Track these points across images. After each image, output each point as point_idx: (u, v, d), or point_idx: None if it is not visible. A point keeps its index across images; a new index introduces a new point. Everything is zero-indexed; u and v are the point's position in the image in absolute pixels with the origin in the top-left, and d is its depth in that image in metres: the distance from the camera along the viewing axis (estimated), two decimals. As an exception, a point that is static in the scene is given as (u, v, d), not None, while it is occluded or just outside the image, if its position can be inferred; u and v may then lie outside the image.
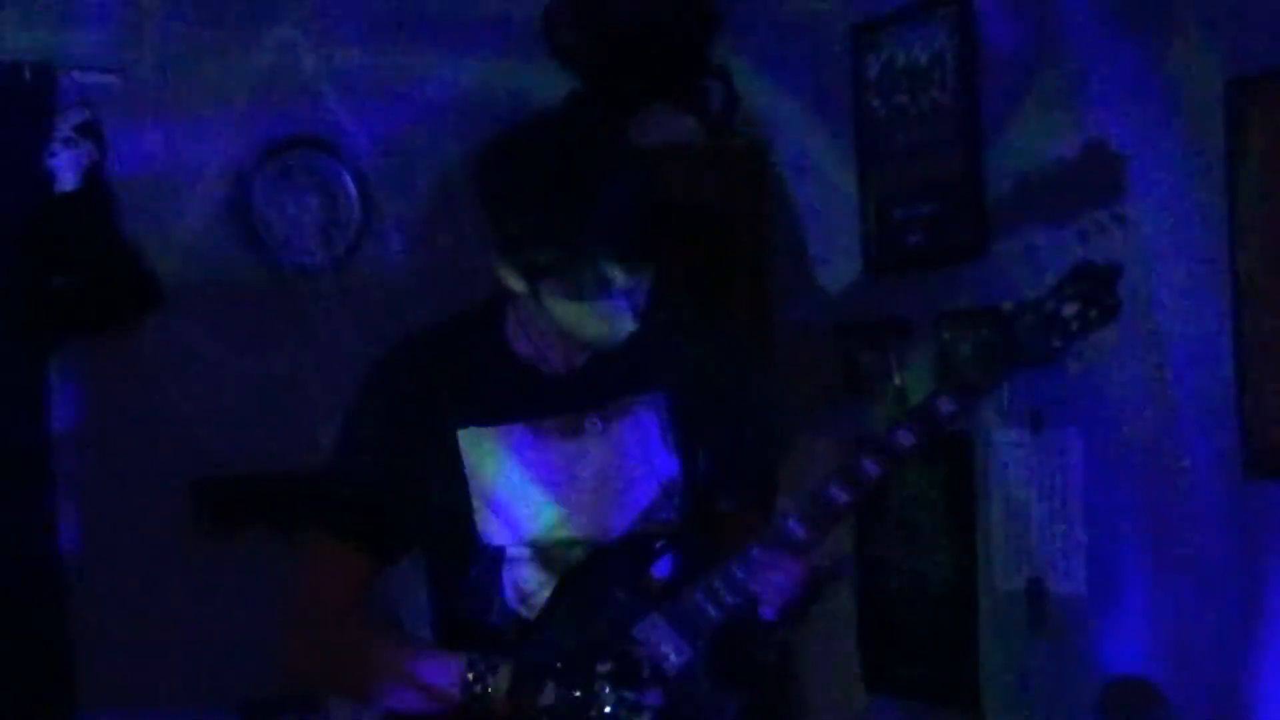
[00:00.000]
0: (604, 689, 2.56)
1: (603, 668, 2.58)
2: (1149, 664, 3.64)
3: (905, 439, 2.58)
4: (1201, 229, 3.49)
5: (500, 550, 2.66)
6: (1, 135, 4.32)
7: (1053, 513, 3.84)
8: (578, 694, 2.56)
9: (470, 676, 2.59)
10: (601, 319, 2.57)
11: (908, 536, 4.23)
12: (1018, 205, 3.89)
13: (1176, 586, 3.59)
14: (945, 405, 2.58)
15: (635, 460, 2.66)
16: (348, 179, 4.71)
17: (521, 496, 2.65)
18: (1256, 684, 3.43)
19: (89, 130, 4.26)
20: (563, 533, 2.66)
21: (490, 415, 2.66)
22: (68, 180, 4.22)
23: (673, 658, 2.60)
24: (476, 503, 2.65)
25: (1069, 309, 2.59)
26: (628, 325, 2.58)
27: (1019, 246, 3.88)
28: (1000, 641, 4.00)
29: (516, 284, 2.59)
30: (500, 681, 2.58)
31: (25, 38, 4.41)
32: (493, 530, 2.66)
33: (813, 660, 4.47)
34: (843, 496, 2.57)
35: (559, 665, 2.58)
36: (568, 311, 2.57)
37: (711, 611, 2.60)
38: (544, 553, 2.66)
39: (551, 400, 2.66)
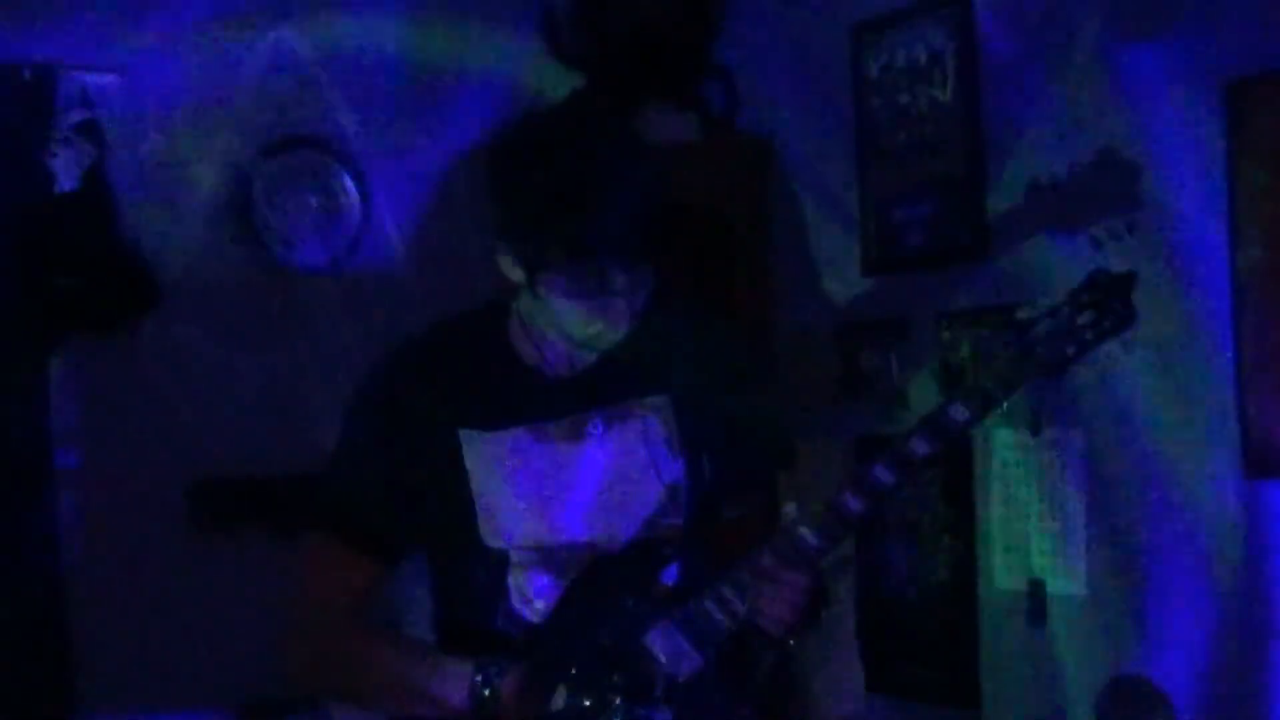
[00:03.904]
0: (615, 700, 2.55)
1: (615, 678, 2.57)
2: (1149, 664, 3.64)
3: (919, 447, 2.55)
4: (1201, 229, 3.49)
5: (504, 554, 2.65)
6: (1, 135, 4.33)
7: (1053, 513, 3.84)
8: (588, 703, 2.55)
9: (478, 681, 2.58)
10: (598, 318, 2.56)
11: (908, 536, 4.22)
12: (1022, 209, 3.89)
13: (1177, 587, 3.59)
14: (958, 413, 2.56)
15: (639, 464, 2.65)
16: (348, 179, 4.71)
17: (524, 500, 2.64)
18: (1257, 684, 3.43)
19: (89, 130, 4.27)
20: (567, 537, 2.65)
21: (492, 418, 2.65)
22: (68, 180, 4.23)
23: (684, 666, 2.59)
24: (479, 506, 2.64)
25: (1084, 317, 2.57)
26: (624, 325, 2.57)
27: (1020, 248, 3.88)
28: (1000, 641, 4.00)
29: (515, 275, 2.58)
30: (508, 687, 2.57)
31: (25, 38, 4.41)
32: (495, 534, 2.65)
33: (813, 660, 4.46)
34: (856, 505, 2.55)
35: (571, 672, 2.57)
36: (565, 307, 2.56)
37: (722, 619, 2.58)
38: (549, 557, 2.64)
39: (554, 403, 2.65)
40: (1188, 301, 3.52)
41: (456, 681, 2.58)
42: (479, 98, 4.73)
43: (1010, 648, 3.97)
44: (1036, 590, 3.88)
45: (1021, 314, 2.58)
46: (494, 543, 2.64)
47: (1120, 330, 2.59)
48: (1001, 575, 3.98)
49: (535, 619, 2.64)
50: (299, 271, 4.68)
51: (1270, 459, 3.38)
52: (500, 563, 2.65)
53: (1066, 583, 3.81)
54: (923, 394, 4.12)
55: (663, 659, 2.58)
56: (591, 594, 2.62)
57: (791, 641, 2.64)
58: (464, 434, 2.65)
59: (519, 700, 2.56)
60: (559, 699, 2.55)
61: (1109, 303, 2.58)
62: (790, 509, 2.56)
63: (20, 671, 4.33)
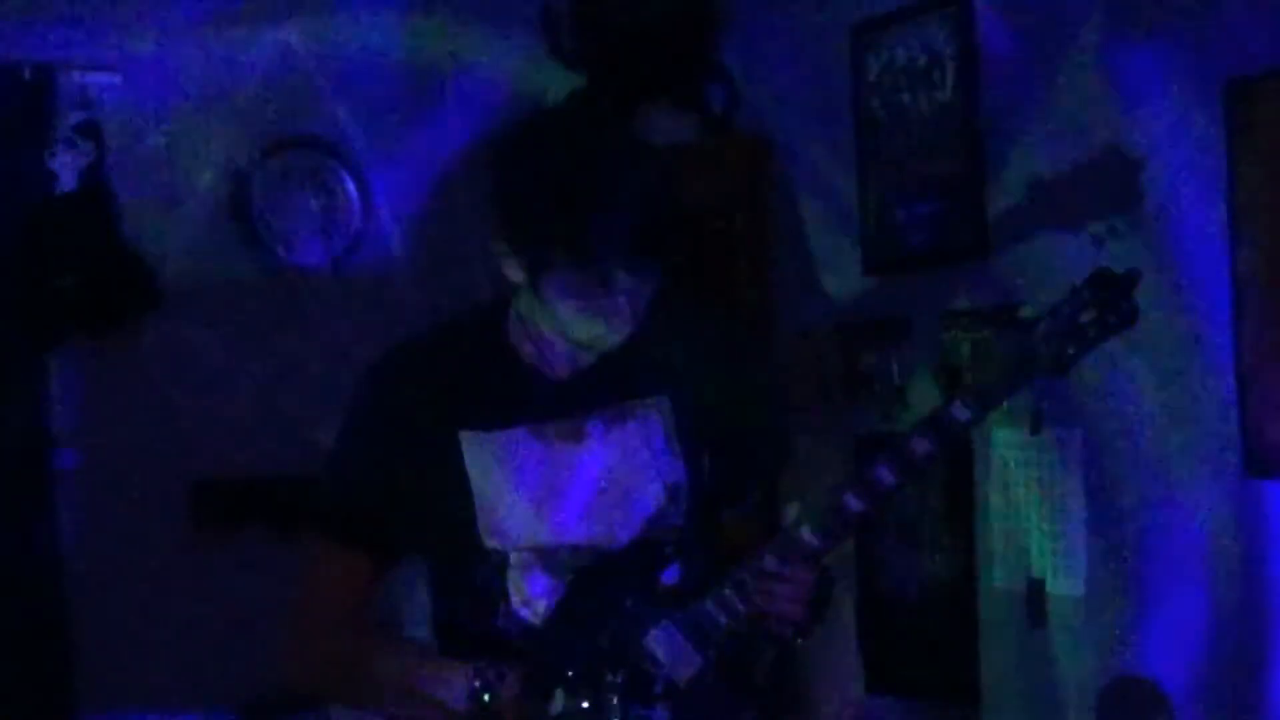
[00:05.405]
0: (614, 700, 2.55)
1: (613, 679, 2.56)
2: (1149, 664, 3.64)
3: (920, 447, 2.55)
4: (1201, 229, 3.49)
5: (504, 555, 2.64)
6: (2, 135, 4.33)
7: (1053, 513, 3.84)
8: (587, 704, 2.54)
9: (476, 685, 2.57)
10: (599, 319, 2.56)
11: (908, 536, 4.22)
12: (1023, 207, 3.89)
13: (1176, 587, 3.59)
14: (960, 413, 2.55)
15: (639, 464, 2.65)
16: (348, 179, 4.72)
17: (524, 500, 2.64)
18: (1257, 684, 3.43)
19: (89, 130, 4.28)
20: (567, 537, 2.64)
21: (492, 418, 2.65)
22: (68, 180, 4.24)
23: (684, 668, 2.58)
24: (478, 506, 2.64)
25: (1086, 316, 2.57)
26: (626, 327, 2.57)
27: (1020, 247, 3.88)
28: (1000, 641, 4.00)
29: (516, 276, 2.58)
30: (507, 690, 2.56)
31: (25, 38, 4.41)
32: (495, 535, 2.64)
33: (813, 660, 4.46)
34: (857, 505, 2.55)
35: (569, 674, 2.57)
36: (566, 308, 2.55)
37: (723, 621, 2.58)
38: (549, 558, 2.64)
39: (554, 403, 2.65)
40: (1188, 301, 3.52)
41: (455, 684, 2.58)
42: (479, 97, 4.73)
43: (1010, 648, 3.97)
44: (1036, 590, 3.88)
45: (1024, 313, 2.58)
46: (493, 543, 2.64)
47: (1123, 328, 2.59)
48: (1001, 575, 3.98)
49: (535, 620, 2.64)
50: (299, 271, 4.68)
51: (1270, 459, 3.38)
52: (500, 564, 2.64)
53: (1066, 583, 3.81)
54: (923, 394, 4.12)
55: (663, 660, 2.58)
56: (591, 595, 2.62)
57: (799, 640, 2.64)
58: (463, 434, 2.64)
59: (518, 703, 2.56)
60: (558, 701, 2.55)
61: (1112, 301, 2.58)
62: (792, 509, 2.56)
63: (20, 671, 4.33)
